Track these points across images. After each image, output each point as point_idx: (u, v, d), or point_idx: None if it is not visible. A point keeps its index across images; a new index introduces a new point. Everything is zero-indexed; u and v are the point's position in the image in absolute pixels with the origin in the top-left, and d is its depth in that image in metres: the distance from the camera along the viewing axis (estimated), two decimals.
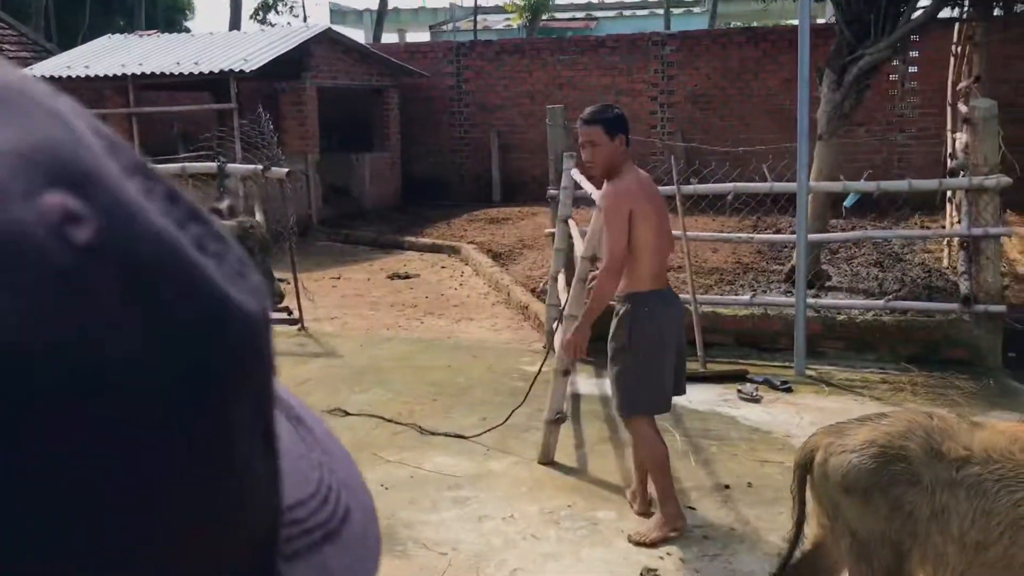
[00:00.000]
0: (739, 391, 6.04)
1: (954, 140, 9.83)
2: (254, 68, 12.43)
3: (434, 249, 11.86)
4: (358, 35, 25.51)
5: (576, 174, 5.93)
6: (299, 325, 7.95)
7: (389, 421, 5.60)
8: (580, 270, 4.61)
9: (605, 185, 4.24)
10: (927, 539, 2.59)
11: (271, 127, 8.74)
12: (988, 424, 2.70)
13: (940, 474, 2.58)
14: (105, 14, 26.10)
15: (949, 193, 9.14)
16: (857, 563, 2.70)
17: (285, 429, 0.43)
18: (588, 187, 5.58)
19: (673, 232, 4.64)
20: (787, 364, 6.52)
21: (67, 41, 19.77)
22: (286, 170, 7.78)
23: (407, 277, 10.36)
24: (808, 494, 2.91)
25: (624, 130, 4.13)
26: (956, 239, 7.90)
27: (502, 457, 5.06)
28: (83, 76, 13.41)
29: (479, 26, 26.62)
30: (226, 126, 12.30)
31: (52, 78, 13.50)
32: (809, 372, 6.41)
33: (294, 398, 0.46)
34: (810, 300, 6.77)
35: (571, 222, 6.36)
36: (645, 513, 4.29)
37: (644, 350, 4.06)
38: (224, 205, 5.76)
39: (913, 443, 2.63)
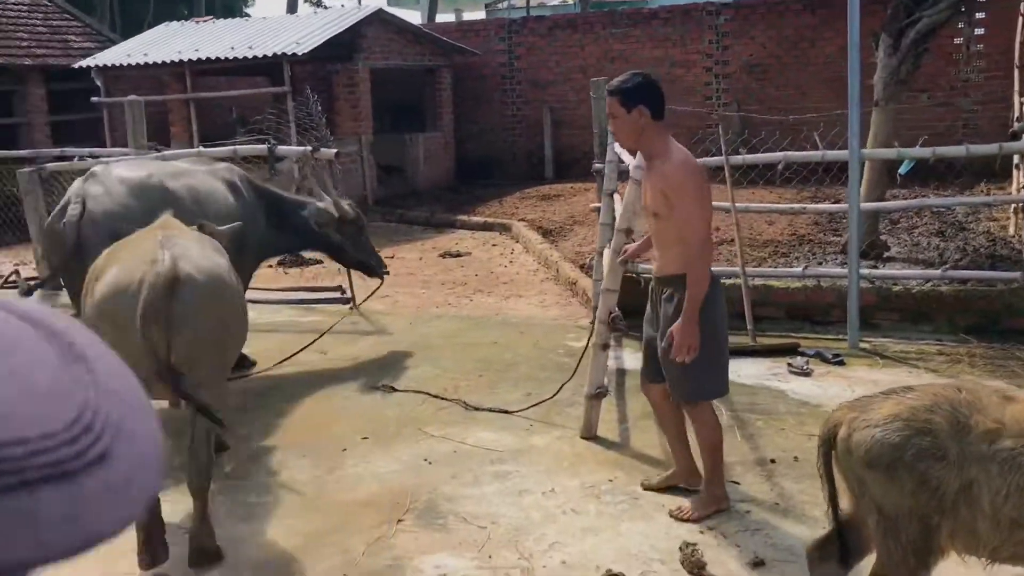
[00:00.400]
0: (789, 364, 5.92)
1: (1021, 104, 9.46)
2: (306, 51, 12.55)
3: (485, 227, 11.89)
4: (414, 16, 25.55)
5: (617, 147, 5.86)
6: (351, 304, 8.06)
7: (435, 397, 5.65)
8: (615, 242, 4.55)
9: (638, 159, 4.14)
10: (956, 514, 2.52)
11: (319, 108, 8.81)
12: (1020, 397, 2.59)
13: (968, 448, 2.50)
14: (168, 3, 26.61)
15: (1017, 159, 8.81)
16: (885, 539, 2.63)
17: (49, 364, 0.41)
18: (628, 159, 5.51)
19: (721, 204, 4.50)
20: (840, 337, 6.38)
21: (131, 31, 20.20)
22: (335, 151, 7.85)
23: (458, 255, 10.41)
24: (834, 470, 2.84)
25: (646, 100, 3.78)
26: (1022, 205, 7.61)
27: (545, 432, 5.06)
28: (142, 64, 13.72)
29: (534, 2, 26.41)
30: (281, 108, 12.46)
31: (114, 66, 13.86)
32: (863, 344, 6.27)
33: (83, 335, 0.44)
34: (864, 271, 6.60)
35: (616, 196, 6.29)
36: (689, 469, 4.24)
37: (711, 334, 3.88)
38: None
39: (939, 416, 2.54)
